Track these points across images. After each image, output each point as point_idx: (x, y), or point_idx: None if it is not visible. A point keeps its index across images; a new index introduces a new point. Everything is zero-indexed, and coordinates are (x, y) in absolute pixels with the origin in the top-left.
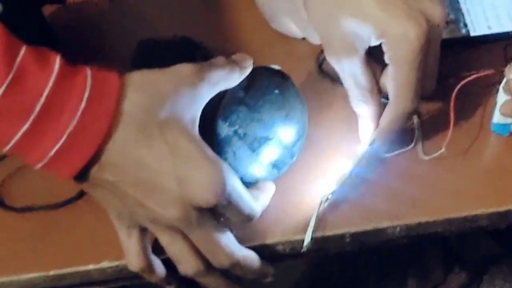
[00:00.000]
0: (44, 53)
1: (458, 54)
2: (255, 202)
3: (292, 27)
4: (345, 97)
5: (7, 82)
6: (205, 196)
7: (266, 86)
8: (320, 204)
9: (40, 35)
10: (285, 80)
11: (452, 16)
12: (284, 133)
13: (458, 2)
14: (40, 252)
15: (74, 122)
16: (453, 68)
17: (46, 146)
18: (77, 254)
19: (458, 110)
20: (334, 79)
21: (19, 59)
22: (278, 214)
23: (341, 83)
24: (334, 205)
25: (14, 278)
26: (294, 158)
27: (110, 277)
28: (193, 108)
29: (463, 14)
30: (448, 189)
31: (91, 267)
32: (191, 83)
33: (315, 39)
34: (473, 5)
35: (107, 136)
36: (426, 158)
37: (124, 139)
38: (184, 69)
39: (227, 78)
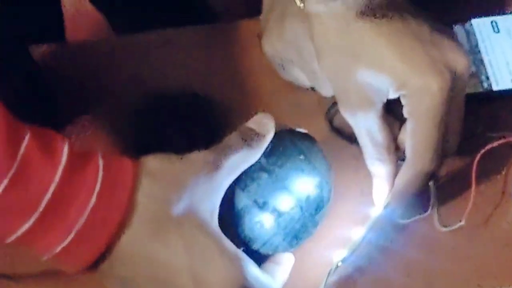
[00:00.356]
0: (50, 139)
1: (480, 110)
2: (274, 282)
3: (301, 77)
4: (356, 155)
5: (9, 176)
6: None
7: (291, 151)
8: (330, 272)
9: (26, 80)
10: (311, 144)
11: (473, 69)
12: (308, 201)
13: (479, 53)
14: None
15: (83, 219)
16: (475, 125)
17: (51, 243)
18: None
19: (478, 173)
20: (345, 136)
21: (22, 149)
22: (285, 282)
23: (353, 141)
24: (344, 273)
25: None
26: (317, 227)
27: None
28: (212, 198)
29: (485, 67)
30: (466, 263)
31: None
32: (208, 173)
33: (325, 91)
34: (496, 56)
35: (119, 231)
36: (443, 230)
37: (137, 234)
38: (200, 157)
39: (246, 159)
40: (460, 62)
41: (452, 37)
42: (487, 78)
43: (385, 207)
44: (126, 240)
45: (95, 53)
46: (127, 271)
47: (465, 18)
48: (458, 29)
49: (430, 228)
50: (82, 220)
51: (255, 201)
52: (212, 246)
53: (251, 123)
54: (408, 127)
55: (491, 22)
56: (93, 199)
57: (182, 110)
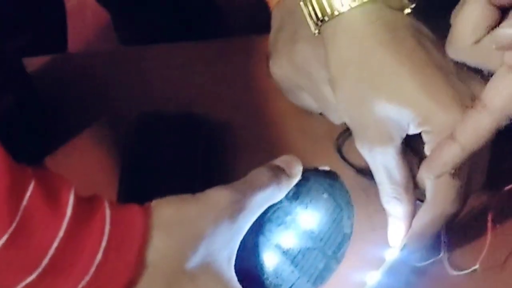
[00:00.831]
0: (55, 187)
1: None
2: None
3: (310, 102)
4: (365, 187)
5: (9, 232)
6: None
7: (315, 191)
8: None
9: (20, 95)
10: (334, 181)
11: None
12: (331, 240)
13: None
14: None
15: (88, 277)
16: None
17: None
18: None
19: (496, 213)
20: (354, 167)
21: (25, 201)
22: None
23: (363, 173)
24: None
25: None
26: (339, 265)
27: None
28: (230, 244)
29: None
30: None
31: None
32: (229, 216)
33: (335, 118)
34: None
35: None
36: (455, 273)
37: None
38: (222, 199)
39: (271, 199)
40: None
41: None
42: None
43: (401, 249)
44: None
45: (96, 65)
46: None
47: None
48: None
49: (445, 271)
50: (87, 278)
51: (278, 246)
52: None
53: (280, 162)
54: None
55: None
56: (99, 256)
57: (178, 130)
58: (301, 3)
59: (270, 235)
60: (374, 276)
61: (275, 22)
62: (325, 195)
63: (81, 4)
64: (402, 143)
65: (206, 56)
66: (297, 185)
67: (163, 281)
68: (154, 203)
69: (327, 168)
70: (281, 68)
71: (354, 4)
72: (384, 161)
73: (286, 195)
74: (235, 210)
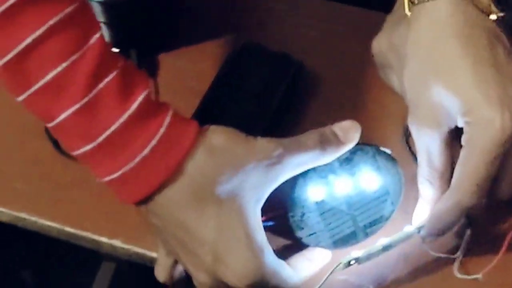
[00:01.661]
0: (133, 82)
1: None
2: (296, 277)
3: (395, 83)
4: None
5: (81, 103)
6: (236, 283)
7: (369, 165)
8: (336, 267)
9: None
10: (391, 165)
11: None
12: (366, 213)
13: None
14: (68, 204)
15: (131, 165)
16: None
17: (101, 173)
18: (97, 220)
19: None
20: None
21: (102, 84)
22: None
23: None
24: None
25: (34, 219)
26: (367, 239)
27: (119, 255)
28: (262, 189)
29: None
30: None
31: (103, 239)
32: (269, 164)
33: None
34: None
35: (159, 189)
36: (459, 276)
37: (175, 199)
38: (266, 148)
39: (314, 161)
40: None
41: None
42: None
43: (419, 228)
44: (163, 200)
45: None
46: (159, 223)
47: None
48: None
49: (448, 272)
50: (130, 165)
51: (313, 195)
52: (242, 235)
53: (337, 128)
54: (461, 155)
55: None
56: (146, 150)
57: (271, 66)
58: None
59: (309, 182)
60: (383, 240)
61: (396, 5)
62: (377, 174)
63: None
64: (449, 132)
65: (333, 16)
66: (353, 152)
67: (192, 193)
68: (213, 127)
69: (388, 151)
70: (379, 44)
71: None
72: (427, 144)
73: (339, 158)
74: (275, 162)
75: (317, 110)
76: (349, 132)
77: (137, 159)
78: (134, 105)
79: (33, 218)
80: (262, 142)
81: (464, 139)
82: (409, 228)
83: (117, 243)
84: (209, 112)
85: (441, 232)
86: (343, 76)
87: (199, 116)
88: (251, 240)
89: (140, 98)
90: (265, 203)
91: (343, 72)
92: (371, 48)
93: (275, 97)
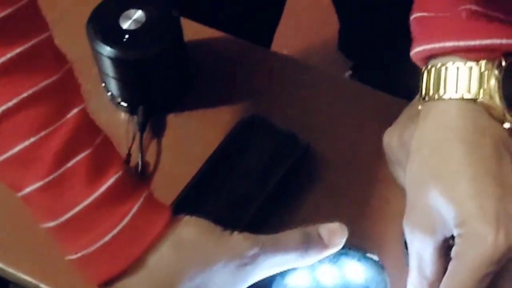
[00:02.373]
0: (105, 165)
1: None
2: None
3: (403, 180)
4: None
5: (45, 181)
6: None
7: (351, 272)
8: None
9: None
10: (377, 273)
11: None
12: None
13: None
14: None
15: (91, 249)
16: None
17: (62, 250)
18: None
19: None
20: None
21: (71, 163)
22: None
23: None
24: None
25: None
26: None
27: None
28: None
29: None
30: None
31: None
32: (241, 264)
33: None
34: None
35: (119, 278)
36: None
37: None
38: (240, 246)
39: (292, 262)
40: None
41: None
42: None
43: None
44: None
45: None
46: None
47: None
48: None
49: None
50: (90, 249)
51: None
52: None
53: (323, 229)
54: (449, 267)
55: None
56: (107, 237)
57: (274, 146)
58: (425, 70)
59: (288, 281)
60: None
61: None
62: (361, 280)
63: None
64: (445, 241)
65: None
66: (337, 255)
67: (151, 286)
68: (186, 219)
69: (376, 257)
70: (390, 138)
71: (455, 96)
72: (420, 249)
73: (322, 259)
74: (248, 262)
75: (318, 198)
76: (336, 235)
77: (98, 245)
78: (102, 189)
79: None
80: (238, 240)
81: (454, 251)
82: None
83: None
84: (202, 187)
85: None
86: (351, 165)
87: (192, 188)
88: None
89: (110, 182)
90: None
91: (352, 160)
92: (383, 140)
93: (274, 178)
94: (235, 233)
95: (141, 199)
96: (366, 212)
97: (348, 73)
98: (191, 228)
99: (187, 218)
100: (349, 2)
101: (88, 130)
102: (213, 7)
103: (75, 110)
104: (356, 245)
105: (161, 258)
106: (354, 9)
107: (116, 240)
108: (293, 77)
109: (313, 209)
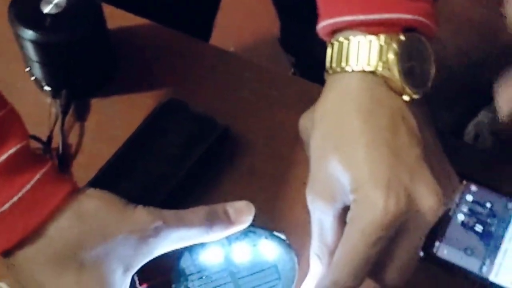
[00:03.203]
0: (7, 136)
1: None
2: None
3: None
4: None
5: None
6: None
7: (259, 249)
8: None
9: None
10: (285, 252)
11: (482, 249)
12: None
13: (502, 237)
14: None
15: None
16: None
17: None
18: None
19: None
20: None
21: None
22: None
23: None
24: None
25: None
26: None
27: None
28: (132, 259)
29: (496, 253)
30: None
31: None
32: (143, 236)
33: None
34: None
35: (20, 247)
36: None
37: (34, 259)
38: (143, 219)
39: (196, 238)
40: (427, 203)
41: (441, 176)
42: (491, 264)
43: None
44: (23, 256)
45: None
46: (22, 279)
47: None
48: (500, 199)
49: None
50: None
51: (199, 272)
52: None
53: (230, 207)
54: (344, 232)
55: None
56: (6, 206)
57: (193, 128)
58: (329, 44)
59: (195, 255)
60: None
61: None
62: (268, 258)
63: None
64: (345, 209)
65: (264, 77)
66: (244, 233)
67: (52, 255)
68: (89, 191)
69: (283, 236)
70: (305, 121)
71: (356, 68)
72: (320, 217)
73: (230, 236)
74: (150, 235)
75: (236, 179)
76: (242, 213)
77: None
78: (3, 158)
79: None
80: (141, 213)
81: (348, 217)
82: None
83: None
84: (119, 166)
85: None
86: (270, 147)
87: (107, 169)
88: None
89: (11, 151)
90: (150, 269)
91: (271, 143)
92: (299, 123)
93: (189, 160)
94: (140, 206)
95: (43, 171)
96: (281, 193)
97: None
98: (93, 200)
99: (90, 190)
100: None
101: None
102: None
103: None
104: (268, 224)
105: (61, 228)
106: (292, 5)
107: (15, 209)
108: (215, 65)
109: (231, 189)
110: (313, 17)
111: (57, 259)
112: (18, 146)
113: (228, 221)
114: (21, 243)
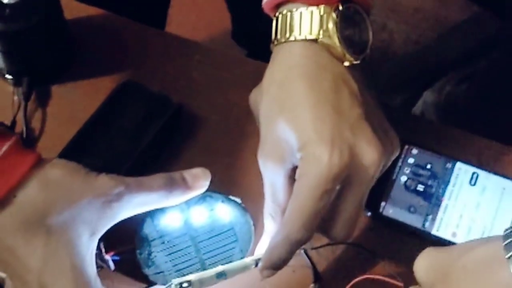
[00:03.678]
0: None
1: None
2: None
3: None
4: None
5: None
6: None
7: (216, 213)
8: (168, 285)
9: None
10: (241, 215)
11: (425, 204)
12: (213, 256)
13: (443, 195)
14: None
15: None
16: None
17: None
18: None
19: None
20: None
21: None
22: None
23: None
24: None
25: None
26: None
27: None
28: (97, 224)
29: (438, 209)
30: None
31: None
32: (106, 201)
33: None
34: (455, 205)
35: None
36: None
37: (4, 224)
38: (105, 185)
39: (156, 202)
40: (368, 157)
41: (381, 134)
42: (433, 220)
43: (256, 261)
44: None
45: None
46: None
47: (454, 156)
48: (439, 160)
49: None
50: None
51: (161, 237)
52: (68, 267)
53: (187, 173)
54: (293, 190)
55: (473, 173)
56: None
57: (148, 107)
58: (274, 18)
59: (157, 221)
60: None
61: None
62: (225, 221)
63: None
64: (294, 169)
65: (215, 60)
66: (202, 197)
67: (21, 221)
68: (54, 161)
69: (238, 200)
70: (255, 95)
71: (299, 38)
72: (272, 179)
73: (189, 201)
74: (113, 199)
75: (192, 154)
76: (199, 179)
77: None
78: None
79: None
80: (103, 179)
81: (296, 174)
82: (247, 260)
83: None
84: (81, 144)
85: (275, 266)
86: (223, 122)
87: (71, 146)
88: (78, 272)
89: None
90: (114, 238)
91: (224, 119)
92: (249, 98)
93: (147, 136)
94: (102, 174)
95: (9, 143)
96: (235, 163)
97: None
98: (57, 169)
99: (55, 160)
100: None
101: None
102: None
103: None
104: (224, 189)
105: (28, 194)
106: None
107: None
108: (168, 50)
109: (188, 163)
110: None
111: (26, 224)
112: None
113: (185, 186)
114: None
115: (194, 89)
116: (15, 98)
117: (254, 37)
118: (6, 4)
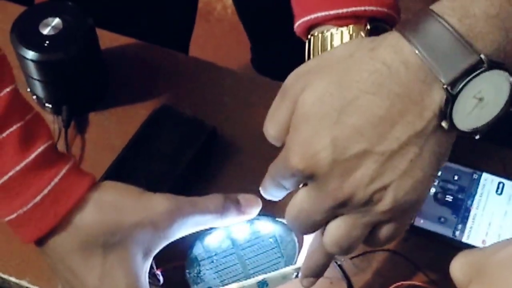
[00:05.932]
0: (35, 135)
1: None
2: None
3: None
4: None
5: None
6: None
7: (264, 233)
8: None
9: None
10: (286, 234)
11: (453, 215)
12: (258, 274)
13: (471, 204)
14: None
15: (24, 209)
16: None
17: (3, 212)
18: (6, 260)
19: None
20: None
21: (4, 134)
22: None
23: None
24: None
25: None
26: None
27: None
28: (150, 244)
29: (467, 218)
30: None
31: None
32: (159, 221)
33: None
34: (483, 214)
35: (50, 235)
36: None
37: (63, 245)
38: (159, 206)
39: (210, 223)
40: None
41: None
42: (463, 229)
43: (296, 270)
44: (54, 243)
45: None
46: (53, 264)
47: (479, 167)
48: (466, 172)
49: None
50: (24, 209)
51: (209, 257)
52: (123, 286)
53: (242, 197)
54: None
55: (499, 183)
56: (38, 198)
57: (183, 130)
58: (307, 40)
59: (207, 241)
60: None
61: None
62: (272, 239)
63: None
64: None
65: (243, 85)
66: (251, 221)
67: (78, 242)
68: (107, 183)
69: (284, 221)
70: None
71: None
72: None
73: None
74: (166, 220)
75: (230, 177)
76: (252, 204)
77: (30, 205)
78: (32, 155)
79: None
80: (157, 199)
81: None
82: (287, 269)
83: (24, 283)
84: (121, 169)
85: (313, 273)
86: (258, 146)
87: (112, 172)
88: None
89: (39, 150)
90: (165, 256)
91: (259, 142)
92: None
93: (184, 159)
94: (157, 194)
95: (67, 166)
96: None
97: None
98: (110, 191)
99: (107, 183)
100: (260, 26)
101: (19, 107)
102: (128, 18)
103: (7, 89)
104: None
105: (85, 216)
106: (265, 33)
107: (46, 200)
108: (197, 75)
109: (225, 184)
110: (282, 42)
111: (84, 245)
112: (45, 144)
113: (239, 209)
114: (52, 232)
115: (225, 113)
116: (55, 126)
117: (275, 67)
118: (46, 36)
